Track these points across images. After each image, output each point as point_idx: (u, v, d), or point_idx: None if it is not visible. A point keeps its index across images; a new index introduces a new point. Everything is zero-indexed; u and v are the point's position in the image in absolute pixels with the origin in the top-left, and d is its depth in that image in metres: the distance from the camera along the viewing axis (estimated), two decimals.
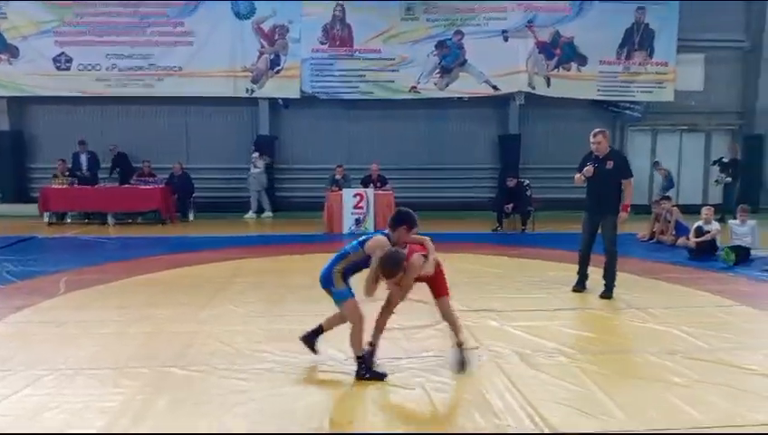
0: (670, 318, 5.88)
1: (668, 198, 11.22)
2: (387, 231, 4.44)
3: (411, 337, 5.28)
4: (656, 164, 15.30)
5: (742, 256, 8.68)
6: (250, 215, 14.43)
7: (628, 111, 15.86)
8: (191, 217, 14.00)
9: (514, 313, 6.08)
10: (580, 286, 7.05)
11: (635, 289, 7.06)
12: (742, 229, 9.10)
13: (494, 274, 7.97)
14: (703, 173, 16.41)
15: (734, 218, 9.55)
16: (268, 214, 14.49)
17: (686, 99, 15.97)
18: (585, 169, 6.78)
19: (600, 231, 6.89)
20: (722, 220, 10.99)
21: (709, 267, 8.49)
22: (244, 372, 4.48)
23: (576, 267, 7.13)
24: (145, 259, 8.98)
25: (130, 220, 13.34)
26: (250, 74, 14.94)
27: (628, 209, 6.78)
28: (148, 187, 13.16)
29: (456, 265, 8.29)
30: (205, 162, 15.13)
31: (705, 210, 9.59)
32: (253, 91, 15.04)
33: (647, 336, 5.35)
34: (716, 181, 14.84)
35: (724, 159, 14.68)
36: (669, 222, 10.57)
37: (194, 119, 15.50)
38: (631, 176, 6.76)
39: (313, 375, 4.43)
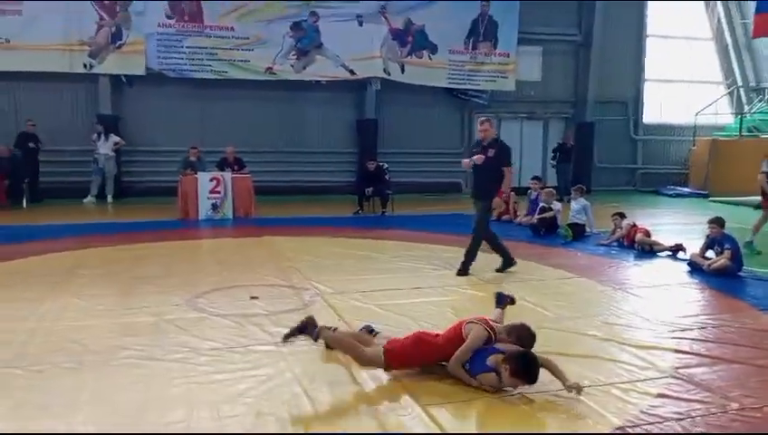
0: (520, 291, 6.28)
1: (539, 179, 11.84)
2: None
3: (278, 322, 5.17)
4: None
5: (577, 233, 9.50)
6: (90, 199, 13.41)
7: (474, 99, 16.67)
8: (25, 203, 12.67)
9: (377, 292, 6.18)
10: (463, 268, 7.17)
11: (489, 265, 7.44)
12: (575, 207, 9.94)
13: (357, 256, 8.05)
14: (541, 157, 17.68)
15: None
16: (109, 200, 13.55)
17: (525, 88, 17.11)
18: (476, 156, 6.95)
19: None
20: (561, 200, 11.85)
21: (551, 243, 9.20)
22: (94, 369, 4.14)
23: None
24: None
25: None
26: (88, 48, 13.75)
27: (503, 196, 7.07)
28: None
29: (319, 249, 8.34)
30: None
31: (544, 191, 10.38)
32: (91, 66, 13.86)
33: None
34: (552, 166, 16.23)
35: (558, 144, 16.07)
36: (530, 201, 11.09)
37: (24, 96, 13.98)
38: (510, 164, 6.98)
39: (172, 368, 4.18)
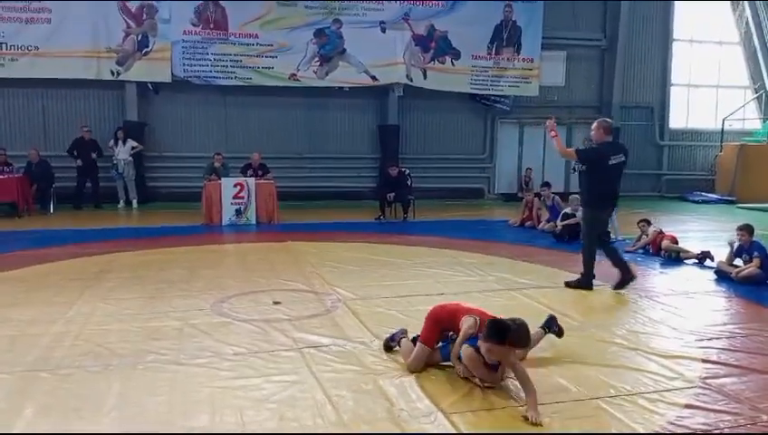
0: (543, 298, 6.25)
1: (548, 185, 11.67)
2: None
3: (300, 328, 5.19)
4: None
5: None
6: (122, 205, 13.83)
7: (498, 105, 16.62)
8: (51, 208, 12.92)
9: (400, 298, 6.18)
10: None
11: (511, 271, 7.42)
12: None
13: (379, 261, 8.05)
14: (565, 163, 17.52)
15: None
16: (135, 205, 13.90)
17: (549, 93, 17.01)
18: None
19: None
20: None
21: (575, 250, 9.08)
22: (121, 372, 4.19)
23: None
24: (0, 255, 8.17)
25: None
26: (115, 56, 13.99)
27: (553, 125, 6.77)
28: (2, 176, 11.95)
29: (342, 255, 8.36)
30: (66, 152, 13.94)
31: (571, 198, 10.29)
32: (118, 73, 14.09)
33: (522, 316, 5.60)
34: (573, 169, 15.92)
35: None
36: (547, 208, 11.11)
37: (53, 103, 14.27)
38: (577, 151, 6.82)
39: (197, 373, 4.22)
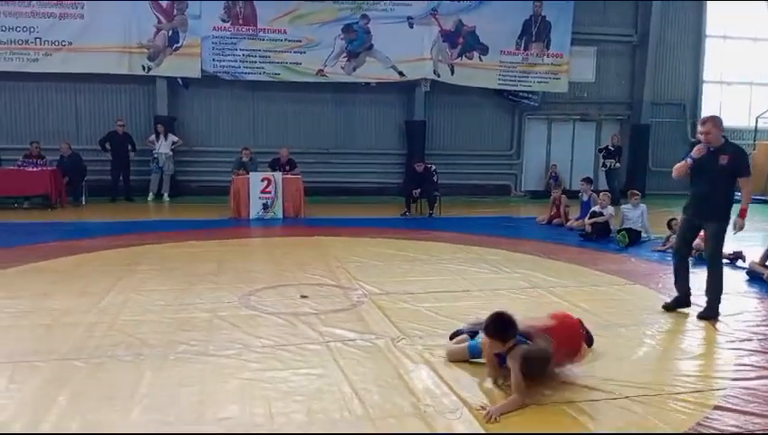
0: (572, 296, 6.20)
1: (590, 181, 11.44)
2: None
3: (327, 322, 5.24)
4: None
5: (633, 239, 9.29)
6: (152, 198, 14.04)
7: (525, 101, 16.45)
8: (84, 201, 13.18)
9: (425, 294, 6.19)
10: (675, 303, 5.91)
11: (537, 269, 7.37)
12: (634, 213, 9.68)
13: (405, 257, 8.07)
14: (594, 160, 17.33)
15: (625, 203, 10.15)
16: (166, 198, 14.10)
17: (578, 89, 16.81)
18: (695, 148, 5.61)
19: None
20: (614, 203, 11.43)
21: (603, 248, 9.02)
22: (152, 362, 4.28)
23: None
24: (35, 246, 8.38)
25: (16, 204, 12.34)
26: (146, 51, 14.20)
27: (746, 214, 5.70)
28: (36, 169, 12.23)
29: (367, 250, 8.40)
30: (97, 144, 14.22)
31: (601, 195, 10.17)
32: (149, 68, 14.30)
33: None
34: (604, 166, 15.61)
35: (611, 147, 15.46)
36: (581, 203, 10.95)
37: (85, 97, 14.55)
38: (749, 174, 5.66)
39: (226, 364, 4.29)
